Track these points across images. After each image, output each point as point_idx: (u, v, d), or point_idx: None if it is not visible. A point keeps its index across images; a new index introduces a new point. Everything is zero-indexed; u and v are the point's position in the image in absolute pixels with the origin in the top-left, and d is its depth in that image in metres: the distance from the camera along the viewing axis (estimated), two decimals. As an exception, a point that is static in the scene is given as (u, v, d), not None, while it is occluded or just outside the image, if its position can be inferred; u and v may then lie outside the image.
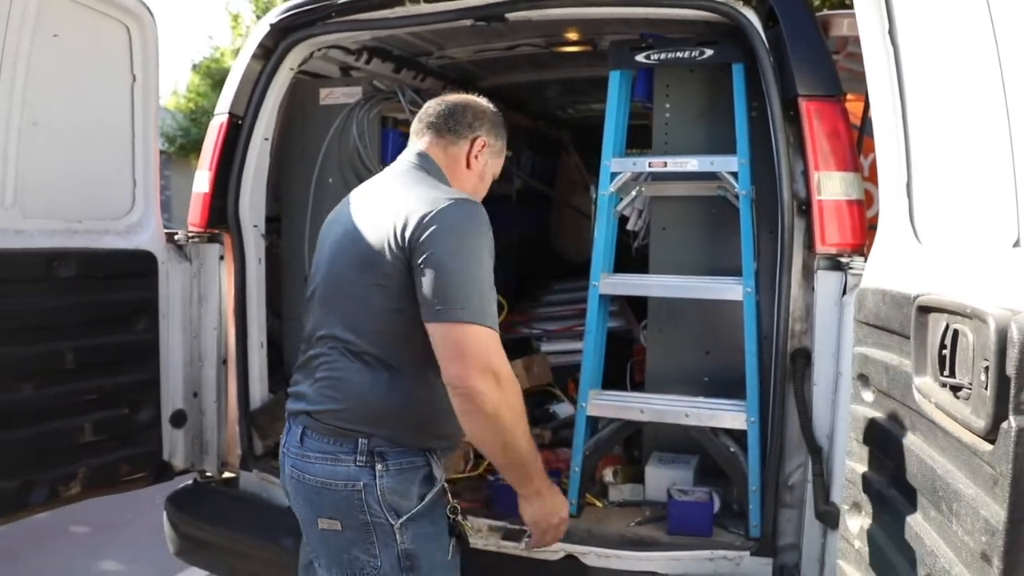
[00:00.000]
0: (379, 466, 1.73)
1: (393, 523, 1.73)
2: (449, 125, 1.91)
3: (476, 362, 1.64)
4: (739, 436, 2.44)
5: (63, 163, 2.51)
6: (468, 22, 2.59)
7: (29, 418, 2.37)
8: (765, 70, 2.19)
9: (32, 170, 2.39)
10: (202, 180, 2.79)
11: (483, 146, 1.93)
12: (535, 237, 5.37)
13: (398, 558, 1.74)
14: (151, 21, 2.59)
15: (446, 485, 1.87)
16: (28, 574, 3.99)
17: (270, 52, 2.76)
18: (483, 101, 1.99)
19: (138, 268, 2.68)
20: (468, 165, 1.93)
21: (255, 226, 2.82)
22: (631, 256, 2.91)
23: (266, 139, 2.81)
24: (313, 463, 1.76)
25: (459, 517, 1.86)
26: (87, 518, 4.02)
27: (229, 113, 2.76)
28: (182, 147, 18.58)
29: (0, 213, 2.33)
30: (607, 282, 2.53)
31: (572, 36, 3.33)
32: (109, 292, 2.58)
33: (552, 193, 5.26)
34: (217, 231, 2.85)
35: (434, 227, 1.66)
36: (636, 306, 3.67)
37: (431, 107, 1.96)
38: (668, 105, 2.68)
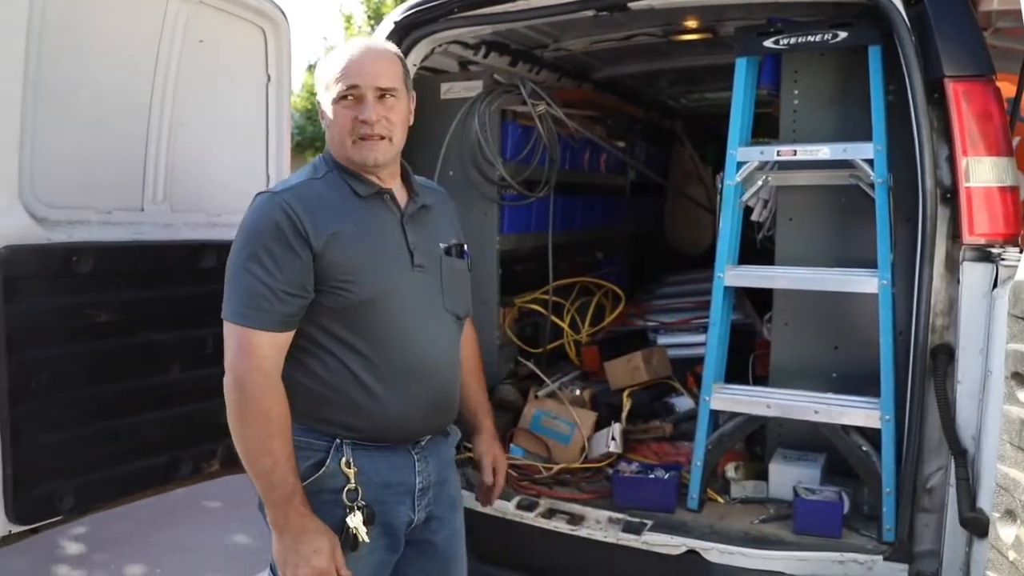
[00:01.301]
0: None
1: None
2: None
3: (225, 360, 1.65)
4: (871, 435, 2.33)
5: (205, 160, 2.67)
6: (590, 13, 2.57)
7: (176, 398, 2.54)
8: (907, 51, 2.07)
9: (179, 167, 2.56)
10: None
11: (319, 103, 1.80)
12: (649, 229, 5.31)
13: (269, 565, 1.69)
14: (285, 24, 2.72)
15: (355, 485, 1.70)
16: (163, 544, 4.29)
17: (395, 50, 2.83)
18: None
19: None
20: (323, 119, 1.81)
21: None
22: (753, 247, 2.83)
23: (390, 134, 2.88)
24: None
25: (355, 519, 1.68)
26: (219, 494, 4.26)
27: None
28: (298, 144, 19.37)
29: (152, 208, 2.51)
30: (732, 274, 2.47)
31: (691, 24, 3.26)
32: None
33: (666, 184, 5.18)
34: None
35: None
36: (754, 298, 3.58)
37: None
38: (796, 92, 2.59)
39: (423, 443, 1.83)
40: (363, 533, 1.68)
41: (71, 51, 2.20)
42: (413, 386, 1.76)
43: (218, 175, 2.72)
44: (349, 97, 1.72)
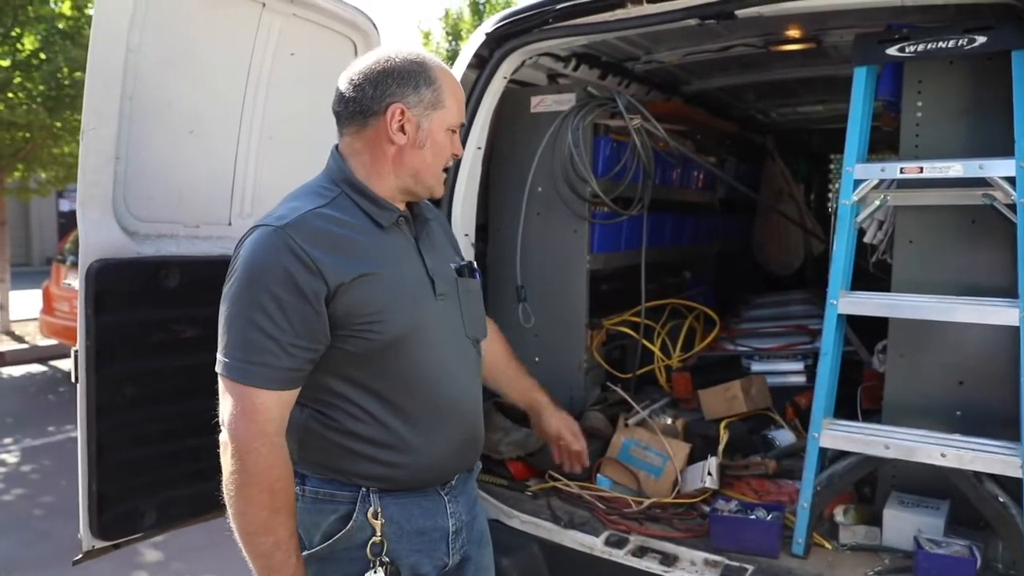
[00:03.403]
0: (297, 489, 1.57)
1: None
2: (350, 108, 1.61)
3: (222, 419, 1.47)
4: (1007, 483, 2.10)
5: (293, 174, 2.59)
6: (694, 22, 2.43)
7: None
8: (1061, 56, 1.86)
9: (267, 182, 2.52)
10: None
11: (402, 113, 1.57)
12: (737, 248, 5.11)
13: None
14: (376, 34, 2.66)
15: (381, 538, 1.57)
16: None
17: (485, 61, 2.75)
18: (388, 53, 1.61)
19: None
20: (392, 142, 1.59)
21: (466, 235, 2.82)
22: (860, 272, 2.63)
23: (479, 148, 2.81)
24: None
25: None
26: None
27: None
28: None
29: (239, 223, 2.47)
30: (847, 301, 2.27)
31: (794, 33, 3.09)
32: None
33: (758, 199, 4.97)
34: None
35: (233, 262, 1.53)
36: (858, 325, 3.35)
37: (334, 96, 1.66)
38: (920, 103, 2.38)
39: (453, 483, 1.71)
40: None
41: (165, 64, 2.19)
42: (444, 427, 1.64)
43: (305, 190, 2.68)
44: (455, 131, 1.66)
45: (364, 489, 1.58)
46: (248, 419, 1.44)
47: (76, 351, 2.04)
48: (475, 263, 1.80)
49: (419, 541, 1.65)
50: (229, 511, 1.47)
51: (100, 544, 2.13)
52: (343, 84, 1.63)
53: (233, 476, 1.44)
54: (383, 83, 1.58)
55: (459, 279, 1.72)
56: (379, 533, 1.57)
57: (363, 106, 1.59)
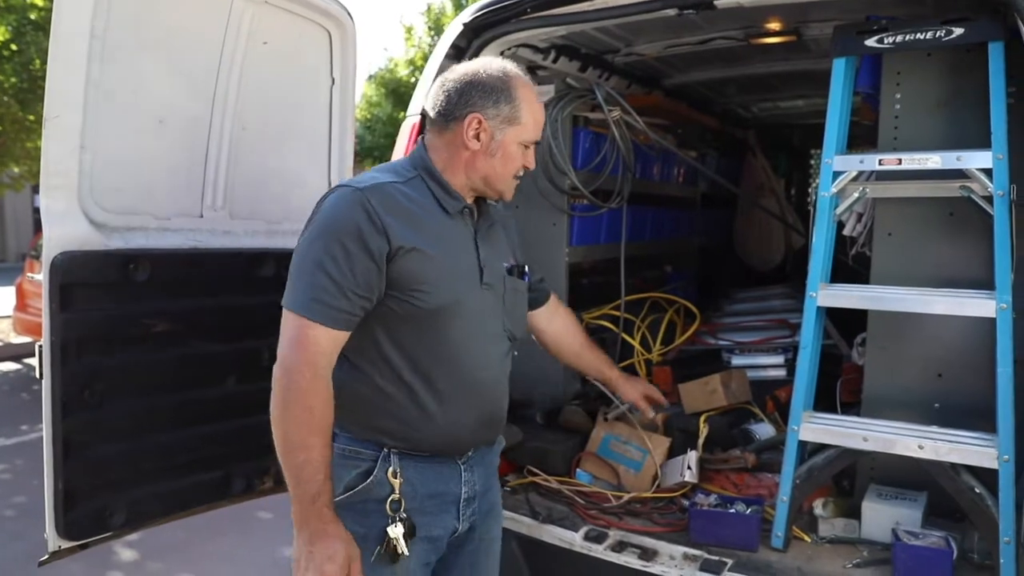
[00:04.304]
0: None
1: None
2: (439, 109, 1.79)
3: (279, 347, 1.63)
4: (983, 475, 2.10)
5: (266, 165, 2.58)
6: (672, 11, 2.41)
7: (231, 412, 2.43)
8: (1038, 47, 1.86)
9: (240, 173, 2.47)
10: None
11: (479, 123, 1.74)
12: (718, 242, 5.10)
13: None
14: (351, 25, 2.61)
15: (399, 496, 1.71)
16: (214, 554, 4.25)
17: (463, 52, 2.71)
18: (478, 67, 1.79)
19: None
20: (467, 147, 1.76)
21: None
22: (839, 264, 2.62)
23: (456, 140, 2.76)
24: None
25: (396, 530, 1.69)
26: (270, 505, 4.19)
27: (421, 114, 2.74)
28: (356, 154, 19.57)
29: (211, 214, 2.42)
30: (826, 293, 2.26)
31: (775, 25, 3.07)
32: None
33: (739, 194, 4.97)
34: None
35: (313, 215, 1.72)
36: (836, 318, 3.35)
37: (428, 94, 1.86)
38: (899, 95, 2.38)
39: (470, 454, 1.85)
40: (403, 545, 1.69)
41: (133, 52, 2.13)
42: (466, 401, 1.77)
43: (279, 181, 2.62)
44: (529, 146, 1.81)
45: (386, 450, 1.73)
46: (301, 347, 1.60)
47: (40, 346, 1.99)
48: (527, 268, 1.97)
49: (431, 504, 1.78)
50: (273, 428, 1.61)
51: (67, 544, 2.08)
52: (437, 87, 1.81)
53: (279, 395, 1.60)
54: (467, 93, 1.75)
55: (507, 276, 1.88)
56: (398, 491, 1.72)
57: (447, 111, 1.77)
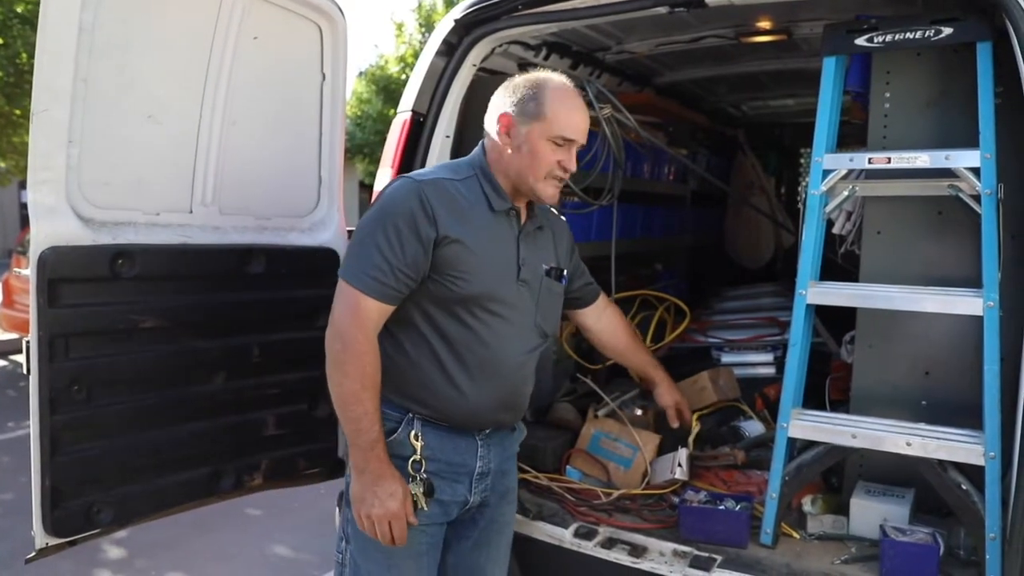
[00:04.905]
0: None
1: (347, 463, 1.88)
2: (487, 114, 1.98)
3: (332, 313, 1.82)
4: (969, 471, 2.12)
5: (256, 161, 2.57)
6: (664, 9, 2.41)
7: (221, 409, 2.43)
8: (1026, 47, 1.87)
9: (229, 168, 2.46)
10: (384, 178, 2.78)
11: (508, 121, 1.90)
12: (708, 240, 5.12)
13: (344, 500, 1.93)
14: (342, 20, 2.60)
15: (420, 457, 1.88)
16: (204, 551, 4.23)
17: (454, 48, 2.71)
18: (520, 74, 1.99)
19: (321, 265, 2.70)
20: (500, 144, 1.93)
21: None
22: (827, 263, 2.63)
23: (448, 136, 2.77)
24: None
25: (416, 488, 1.85)
26: (259, 502, 4.19)
27: (412, 111, 2.74)
28: (346, 151, 19.50)
29: (201, 210, 2.41)
30: (815, 291, 2.27)
31: (765, 24, 3.09)
32: (292, 288, 2.61)
33: (730, 192, 4.98)
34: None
35: (374, 201, 1.93)
36: (825, 316, 3.36)
37: None
38: (888, 95, 2.39)
39: (488, 432, 1.99)
40: (423, 502, 1.85)
41: (122, 46, 2.11)
42: (489, 383, 1.91)
43: (269, 177, 2.61)
44: (562, 143, 1.89)
45: (410, 415, 1.90)
46: (353, 315, 1.80)
47: (27, 342, 1.97)
48: (565, 272, 2.11)
49: (447, 470, 1.93)
50: (330, 386, 1.81)
51: (54, 541, 2.07)
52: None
53: (335, 356, 1.81)
54: (502, 95, 1.95)
55: (545, 277, 2.03)
56: (419, 453, 1.88)
57: (491, 114, 1.96)
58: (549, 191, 1.93)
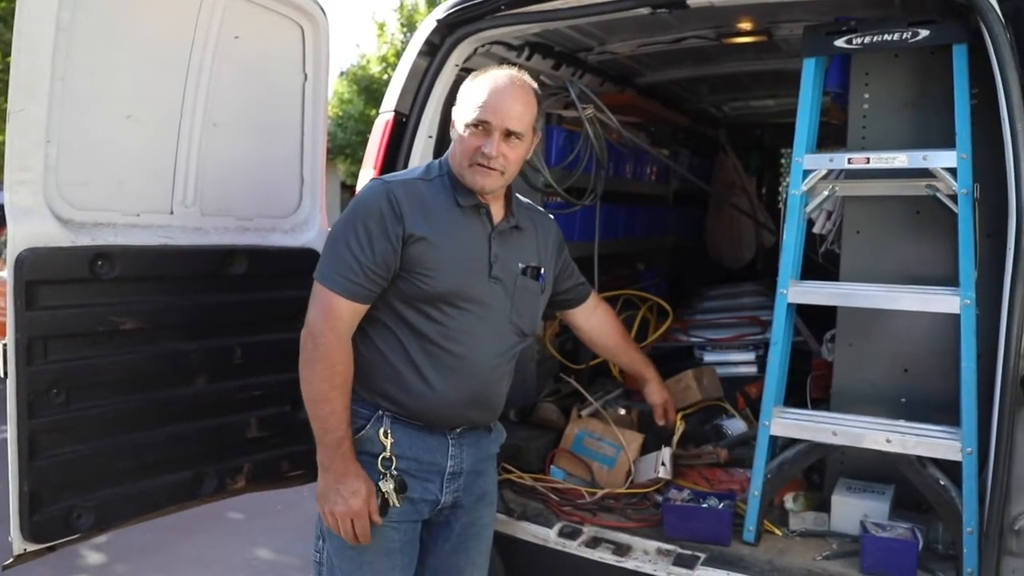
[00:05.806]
0: None
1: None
2: None
3: (308, 313, 1.85)
4: (948, 467, 2.15)
5: (237, 161, 2.55)
6: (645, 10, 2.43)
7: (202, 411, 2.41)
8: (1001, 49, 1.90)
9: (210, 168, 2.44)
10: (366, 179, 2.77)
11: (453, 116, 1.96)
12: (690, 241, 5.14)
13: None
14: (324, 20, 2.59)
15: (390, 454, 1.88)
16: (185, 555, 4.20)
17: (436, 48, 2.71)
18: None
19: (303, 266, 2.67)
20: (453, 139, 1.97)
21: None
22: (808, 262, 2.66)
23: (430, 137, 2.76)
24: None
25: (387, 485, 1.85)
26: (241, 505, 4.16)
27: (395, 111, 2.73)
28: (328, 151, 19.39)
29: (182, 211, 2.38)
30: (796, 290, 2.30)
31: (746, 25, 3.11)
32: (275, 289, 2.60)
33: (711, 192, 5.01)
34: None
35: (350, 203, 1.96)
36: (807, 315, 3.39)
37: None
38: (867, 95, 2.42)
39: (459, 431, 1.97)
40: (394, 498, 1.84)
41: (100, 45, 2.09)
42: (459, 378, 1.90)
43: (250, 178, 2.59)
44: (480, 127, 1.86)
45: (380, 412, 1.90)
46: (325, 314, 1.83)
47: (5, 345, 1.95)
48: (543, 271, 2.07)
49: (417, 468, 1.92)
50: (301, 384, 1.84)
51: (33, 547, 2.04)
52: None
53: (307, 355, 1.83)
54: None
55: (520, 276, 2.01)
56: (389, 450, 1.88)
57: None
58: (477, 179, 1.87)
